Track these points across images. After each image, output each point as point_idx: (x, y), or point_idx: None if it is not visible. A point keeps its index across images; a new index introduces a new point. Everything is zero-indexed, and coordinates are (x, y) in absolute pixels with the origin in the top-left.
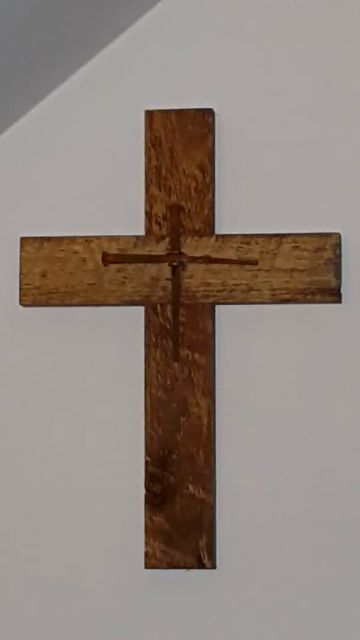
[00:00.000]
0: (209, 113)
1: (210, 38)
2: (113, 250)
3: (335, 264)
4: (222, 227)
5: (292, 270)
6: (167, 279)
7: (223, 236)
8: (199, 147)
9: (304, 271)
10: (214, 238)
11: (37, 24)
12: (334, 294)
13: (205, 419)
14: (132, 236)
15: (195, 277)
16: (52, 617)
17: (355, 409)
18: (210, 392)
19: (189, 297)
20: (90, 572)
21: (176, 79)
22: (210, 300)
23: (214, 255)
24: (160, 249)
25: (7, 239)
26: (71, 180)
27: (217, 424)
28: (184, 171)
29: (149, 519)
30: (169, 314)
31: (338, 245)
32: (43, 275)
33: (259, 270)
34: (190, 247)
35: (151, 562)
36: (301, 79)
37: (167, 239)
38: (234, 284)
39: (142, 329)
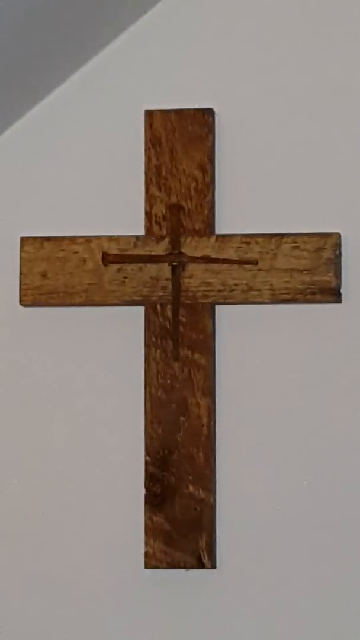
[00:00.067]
0: (209, 113)
1: (210, 38)
2: (113, 250)
3: (335, 264)
4: (222, 227)
5: (292, 270)
6: (167, 279)
7: (223, 236)
8: (199, 147)
9: (303, 271)
10: (214, 238)
11: (37, 24)
12: (334, 294)
13: (205, 419)
14: (132, 236)
15: (195, 277)
16: (52, 616)
17: (355, 409)
18: (210, 392)
19: (189, 297)
20: (90, 572)
21: (176, 79)
22: (210, 300)
23: (213, 255)
24: (160, 249)
25: (7, 239)
26: (71, 180)
27: (217, 424)
28: (184, 171)
29: (149, 519)
30: (169, 314)
31: (338, 245)
32: (43, 275)
33: (258, 270)
34: (190, 247)
35: (151, 562)
36: (301, 79)
37: (167, 239)
38: (234, 284)
39: (142, 329)
